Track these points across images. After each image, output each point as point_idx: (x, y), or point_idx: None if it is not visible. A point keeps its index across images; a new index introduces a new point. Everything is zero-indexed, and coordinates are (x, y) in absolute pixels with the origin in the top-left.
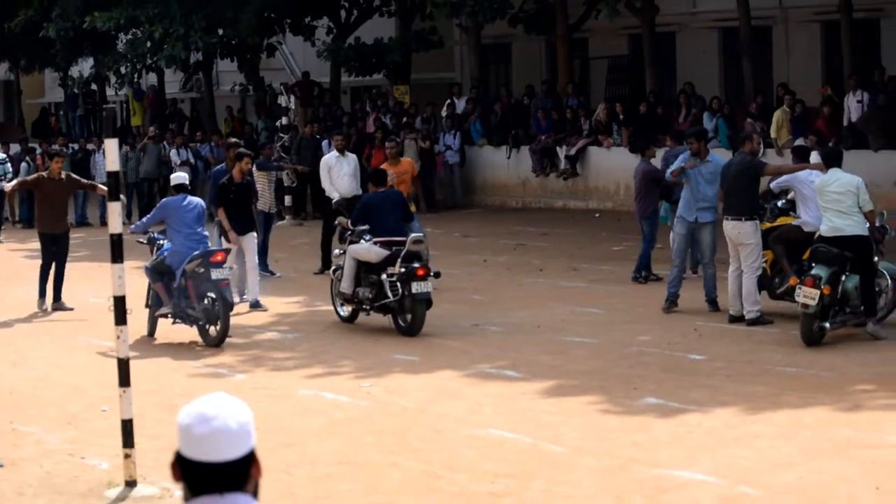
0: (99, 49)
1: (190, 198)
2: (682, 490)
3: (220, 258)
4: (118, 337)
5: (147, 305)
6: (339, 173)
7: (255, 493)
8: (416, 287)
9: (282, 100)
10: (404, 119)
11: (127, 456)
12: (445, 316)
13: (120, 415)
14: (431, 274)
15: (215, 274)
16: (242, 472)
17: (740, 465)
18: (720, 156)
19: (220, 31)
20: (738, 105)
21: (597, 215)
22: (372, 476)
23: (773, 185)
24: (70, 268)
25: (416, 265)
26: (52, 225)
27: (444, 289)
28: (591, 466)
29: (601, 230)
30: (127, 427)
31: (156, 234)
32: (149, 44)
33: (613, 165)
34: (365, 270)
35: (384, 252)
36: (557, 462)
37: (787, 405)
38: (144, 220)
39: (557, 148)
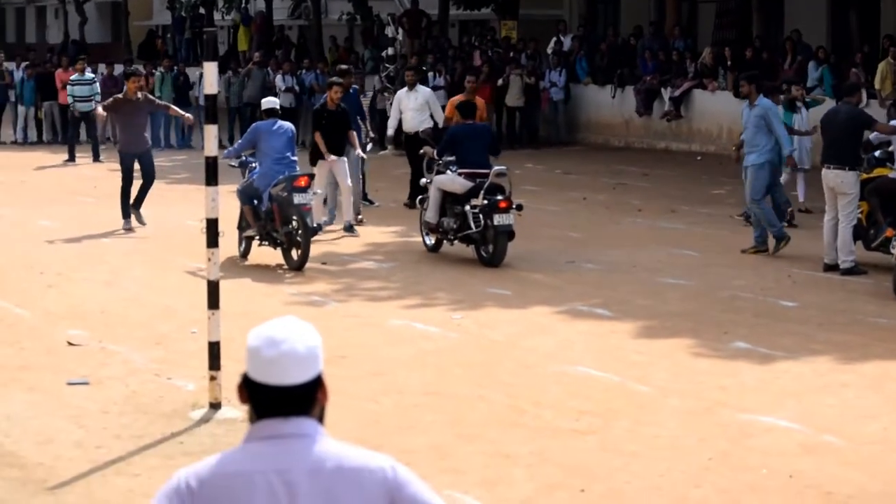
0: None
1: (280, 122)
2: (766, 435)
3: (302, 183)
4: (209, 259)
5: (238, 227)
6: (406, 107)
7: (320, 418)
8: (498, 219)
9: (389, 30)
10: (511, 54)
11: (212, 378)
12: (541, 252)
13: (207, 337)
14: (514, 206)
15: (297, 198)
16: (309, 396)
17: (825, 413)
18: (768, 101)
19: None
20: (844, 55)
21: (699, 158)
22: (458, 408)
23: (872, 136)
24: (168, 189)
25: (499, 197)
26: (132, 145)
27: (541, 225)
28: (676, 408)
29: (702, 173)
30: (214, 349)
31: (248, 158)
32: None
33: (717, 109)
34: (450, 201)
35: (468, 183)
36: (643, 402)
37: (876, 356)
38: (237, 144)
39: (662, 89)
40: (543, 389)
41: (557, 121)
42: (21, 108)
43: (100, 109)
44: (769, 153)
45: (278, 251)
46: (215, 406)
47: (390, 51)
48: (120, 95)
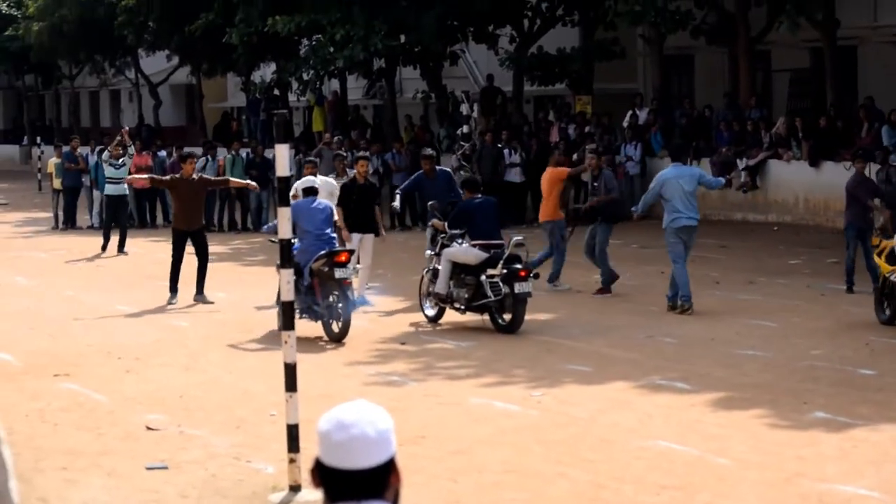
0: (281, 54)
1: (319, 199)
2: None
3: (343, 258)
4: (285, 342)
5: (277, 302)
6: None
7: (395, 501)
8: (519, 287)
9: (463, 108)
10: (586, 129)
11: (291, 461)
12: (621, 327)
13: (286, 419)
14: (532, 275)
15: (338, 273)
16: (381, 479)
17: None
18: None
19: (402, 38)
20: None
21: (775, 228)
22: (538, 485)
23: None
24: (245, 271)
25: (518, 266)
26: (187, 222)
27: (619, 300)
28: (756, 480)
29: (779, 243)
30: (293, 432)
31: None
32: (330, 48)
33: (793, 179)
34: (459, 272)
35: (483, 254)
36: (723, 475)
37: None
38: (275, 221)
39: (738, 160)
40: (624, 465)
41: (634, 194)
42: (96, 193)
43: (136, 178)
44: None
45: (318, 324)
46: (295, 489)
47: (465, 129)
48: (177, 175)
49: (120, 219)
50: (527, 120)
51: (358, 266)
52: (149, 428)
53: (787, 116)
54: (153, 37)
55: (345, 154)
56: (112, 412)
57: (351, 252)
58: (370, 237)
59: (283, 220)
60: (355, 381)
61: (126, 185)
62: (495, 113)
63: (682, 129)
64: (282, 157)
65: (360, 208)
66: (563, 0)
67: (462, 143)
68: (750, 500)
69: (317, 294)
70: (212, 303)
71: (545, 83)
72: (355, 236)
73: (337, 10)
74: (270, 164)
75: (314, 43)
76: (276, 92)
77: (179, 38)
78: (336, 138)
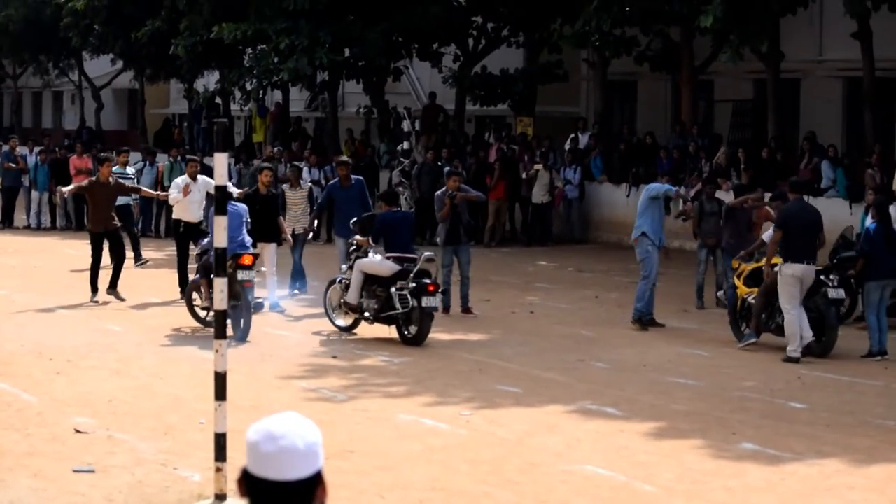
0: (225, 63)
1: (233, 204)
2: None
3: (247, 261)
4: (216, 350)
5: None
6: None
7: None
8: (426, 301)
9: (405, 124)
10: (540, 150)
11: (218, 469)
12: (552, 350)
13: (214, 428)
14: (440, 290)
15: (241, 275)
16: (308, 492)
17: None
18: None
19: (347, 52)
20: (859, 156)
21: (712, 258)
22: None
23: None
24: (174, 277)
25: (427, 281)
26: (103, 223)
27: (553, 322)
28: None
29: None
30: (220, 441)
31: (205, 242)
32: (275, 58)
33: None
34: (370, 283)
35: (396, 267)
36: (649, 501)
37: (883, 458)
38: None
39: (679, 188)
40: (550, 488)
41: (571, 218)
42: (35, 194)
43: (64, 190)
44: None
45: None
46: (221, 498)
47: (406, 145)
48: (94, 178)
49: (128, 228)
50: (468, 139)
51: (263, 269)
52: (77, 431)
53: (728, 147)
54: (98, 40)
55: (300, 165)
56: (41, 413)
57: (255, 256)
58: (273, 246)
59: (219, 229)
60: (286, 392)
61: (131, 196)
62: (437, 130)
63: (620, 154)
64: (221, 165)
65: (263, 217)
66: (509, 21)
67: (402, 159)
68: None
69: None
70: (124, 300)
71: (487, 103)
72: (259, 245)
73: (283, 21)
74: (210, 172)
75: (258, 53)
76: (219, 100)
77: (124, 42)
78: (276, 149)
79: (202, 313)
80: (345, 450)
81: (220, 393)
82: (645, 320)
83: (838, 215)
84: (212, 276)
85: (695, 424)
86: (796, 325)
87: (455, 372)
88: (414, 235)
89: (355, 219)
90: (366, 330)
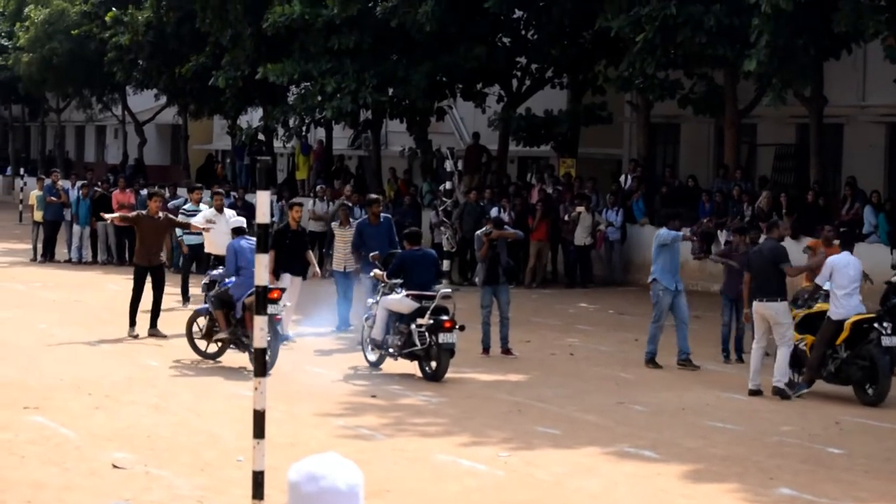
0: (269, 100)
1: (252, 238)
2: None
3: (275, 295)
4: (256, 388)
5: (208, 333)
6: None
7: None
8: (443, 338)
9: (448, 164)
10: (585, 191)
11: None
12: (591, 392)
13: (252, 466)
14: (457, 327)
15: (269, 309)
16: None
17: None
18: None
19: (391, 91)
20: None
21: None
22: None
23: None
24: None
25: (444, 318)
26: (147, 258)
27: (593, 364)
28: None
29: None
30: (258, 478)
31: (217, 274)
32: (319, 97)
33: None
34: (395, 320)
35: (415, 304)
36: None
37: None
38: (226, 269)
39: (718, 232)
40: None
41: (613, 261)
42: (76, 228)
43: (108, 217)
44: None
45: (246, 355)
46: None
47: (448, 185)
48: (143, 212)
49: (198, 268)
50: (510, 179)
51: (289, 304)
52: (115, 466)
53: (770, 191)
54: (142, 75)
55: (350, 204)
56: (79, 448)
57: (283, 290)
58: (298, 279)
59: (261, 268)
60: (323, 431)
61: (203, 234)
62: (479, 171)
63: (663, 197)
64: (263, 203)
65: (292, 252)
66: (553, 62)
67: (444, 198)
68: None
69: (248, 327)
70: (165, 336)
71: (531, 144)
72: (286, 276)
73: (327, 60)
74: (252, 209)
75: (303, 90)
76: (262, 137)
77: (168, 78)
78: (319, 187)
79: (202, 344)
80: (382, 489)
81: (259, 431)
82: (682, 359)
83: (880, 261)
84: (226, 307)
85: (732, 468)
86: (755, 361)
87: (493, 413)
88: (437, 274)
89: (375, 252)
90: (406, 367)
